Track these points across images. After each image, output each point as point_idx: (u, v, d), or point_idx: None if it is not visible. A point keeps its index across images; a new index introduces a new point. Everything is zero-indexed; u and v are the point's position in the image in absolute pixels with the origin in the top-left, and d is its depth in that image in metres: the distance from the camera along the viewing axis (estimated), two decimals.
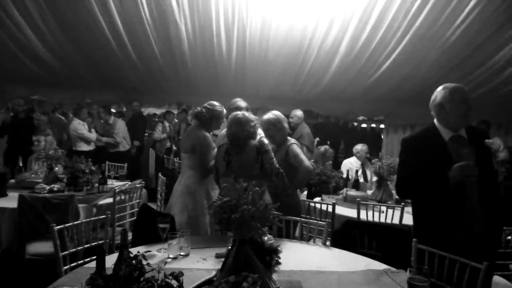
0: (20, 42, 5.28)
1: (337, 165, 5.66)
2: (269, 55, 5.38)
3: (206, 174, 3.16)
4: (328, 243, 2.60)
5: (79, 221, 2.48)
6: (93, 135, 6.28)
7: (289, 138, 3.28)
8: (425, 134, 2.34)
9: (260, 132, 3.22)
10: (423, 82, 5.78)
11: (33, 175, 4.27)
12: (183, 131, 7.81)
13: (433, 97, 2.34)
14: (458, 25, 4.64)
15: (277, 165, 2.75)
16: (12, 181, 4.07)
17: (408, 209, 3.32)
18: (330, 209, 3.35)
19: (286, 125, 3.26)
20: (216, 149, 3.26)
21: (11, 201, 3.31)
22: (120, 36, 5.13)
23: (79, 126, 6.16)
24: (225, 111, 3.38)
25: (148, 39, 5.17)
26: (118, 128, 6.55)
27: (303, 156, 3.08)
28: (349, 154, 6.23)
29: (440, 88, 2.32)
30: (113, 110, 7.70)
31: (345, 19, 4.82)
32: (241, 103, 3.74)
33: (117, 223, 3.44)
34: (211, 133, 3.34)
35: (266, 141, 2.96)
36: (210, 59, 5.56)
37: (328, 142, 7.62)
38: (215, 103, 3.34)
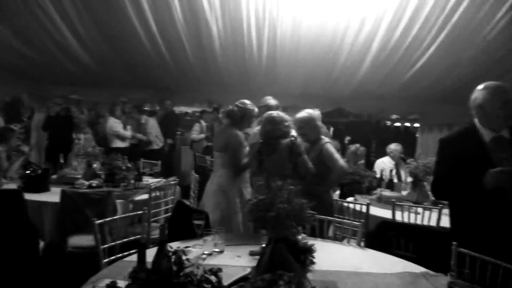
0: (59, 43, 5.51)
1: (369, 165, 5.56)
2: (299, 53, 5.35)
3: (238, 172, 3.19)
4: (362, 244, 2.57)
5: (118, 216, 2.57)
6: (128, 133, 6.48)
7: (322, 136, 3.25)
8: (463, 134, 2.26)
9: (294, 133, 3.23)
10: (459, 80, 5.58)
11: (73, 171, 4.45)
12: (210, 127, 7.94)
13: (473, 96, 2.26)
14: (497, 20, 4.45)
15: (312, 170, 2.74)
16: (54, 176, 4.26)
17: (446, 211, 3.23)
18: (364, 209, 3.31)
19: (319, 123, 3.24)
20: (247, 148, 3.29)
21: (53, 196, 3.47)
22: (153, 37, 5.25)
23: (115, 124, 6.37)
24: (256, 109, 3.39)
25: (180, 39, 5.26)
26: (150, 126, 6.70)
27: (337, 156, 3.06)
28: (381, 153, 6.10)
29: (480, 87, 2.23)
30: (146, 109, 7.88)
31: (377, 16, 4.72)
32: (271, 101, 3.76)
33: (152, 219, 3.53)
34: (243, 132, 3.37)
35: (299, 141, 2.96)
36: (240, 58, 5.59)
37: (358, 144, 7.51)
38: (247, 101, 3.35)
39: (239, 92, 5.92)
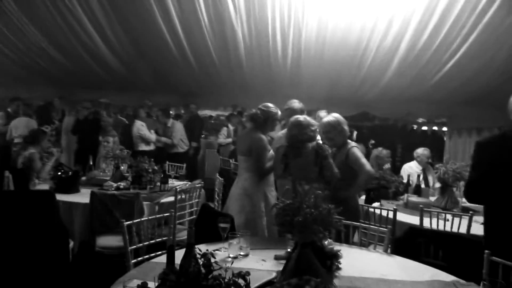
0: (90, 49, 5.70)
1: (395, 170, 5.45)
2: (325, 56, 5.33)
3: (262, 176, 3.20)
4: (388, 250, 2.52)
5: (146, 218, 2.62)
6: (153, 136, 6.61)
7: (349, 141, 3.22)
8: (501, 138, 2.20)
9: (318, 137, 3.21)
10: (490, 82, 5.43)
11: (101, 173, 4.56)
12: (232, 131, 7.98)
13: (511, 99, 2.21)
14: None
15: (338, 175, 2.71)
16: (83, 178, 4.38)
17: (477, 218, 3.14)
18: (390, 215, 3.25)
19: (346, 127, 3.21)
20: (271, 151, 3.30)
21: (83, 197, 3.58)
22: (180, 42, 5.35)
23: (141, 127, 6.50)
24: (279, 112, 3.39)
25: (206, 43, 5.34)
26: (176, 130, 6.81)
27: (364, 160, 3.02)
28: (408, 158, 5.98)
29: None
30: (172, 112, 8.00)
31: (405, 17, 4.65)
32: (296, 104, 3.75)
33: (178, 221, 3.57)
34: (267, 135, 3.37)
35: (326, 146, 2.94)
36: (265, 61, 5.61)
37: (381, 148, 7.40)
38: (270, 104, 3.36)
39: (264, 95, 5.90)
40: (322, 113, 3.75)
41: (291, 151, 2.83)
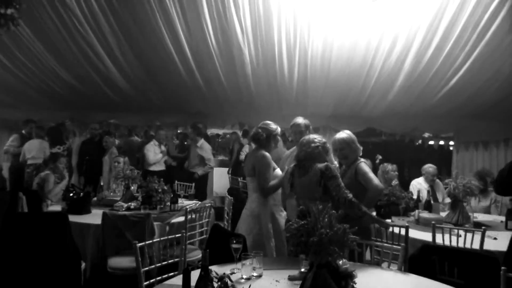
0: (101, 72, 5.79)
1: (404, 186, 5.38)
2: (330, 75, 5.36)
3: (266, 194, 3.18)
4: (403, 268, 2.47)
5: (157, 239, 2.60)
6: (158, 156, 6.46)
7: (359, 158, 3.19)
8: None
9: (331, 157, 3.18)
10: (496, 96, 5.41)
11: (112, 194, 4.56)
12: (236, 152, 7.99)
13: None
14: None
15: (348, 194, 2.65)
16: (94, 199, 4.38)
17: (490, 233, 3.07)
18: (402, 232, 3.19)
19: (358, 145, 3.19)
20: (277, 170, 3.29)
21: (95, 218, 3.57)
22: (189, 64, 5.42)
23: (150, 148, 6.49)
24: (279, 128, 3.41)
25: (214, 65, 5.39)
26: (206, 150, 6.50)
27: (372, 175, 2.98)
28: (415, 173, 5.92)
29: None
30: (180, 131, 8.02)
31: (409, 35, 4.69)
32: (300, 120, 3.75)
33: (188, 241, 3.54)
34: (272, 152, 3.38)
35: (334, 166, 2.91)
36: (272, 81, 5.65)
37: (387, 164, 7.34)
38: (269, 122, 3.39)
39: (270, 114, 5.94)
40: (299, 119, 3.72)
41: (298, 170, 2.81)
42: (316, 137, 2.88)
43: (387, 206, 3.96)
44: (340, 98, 5.91)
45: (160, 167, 6.56)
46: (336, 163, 3.54)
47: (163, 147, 6.63)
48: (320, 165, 2.74)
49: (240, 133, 8.28)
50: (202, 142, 6.60)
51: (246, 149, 7.47)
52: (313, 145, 2.80)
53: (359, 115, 6.33)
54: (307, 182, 2.71)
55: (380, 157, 7.78)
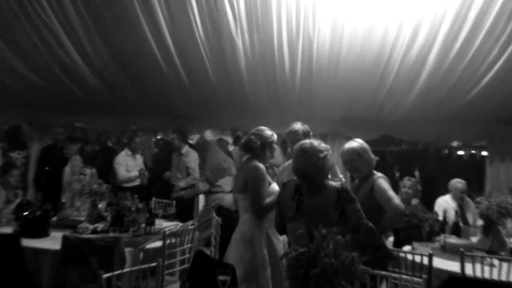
0: (65, 65, 5.76)
1: (428, 205, 5.37)
2: (340, 70, 5.35)
3: (260, 214, 3.15)
4: None
5: (128, 268, 2.56)
6: (131, 174, 6.28)
7: (374, 172, 3.20)
8: None
9: (335, 169, 3.18)
10: None
11: (75, 213, 4.52)
12: (222, 161, 7.96)
13: None
14: None
15: (367, 221, 2.66)
16: (54, 219, 4.33)
17: None
18: (425, 261, 3.17)
19: (372, 155, 3.19)
20: (273, 185, 3.27)
21: (53, 242, 3.52)
22: (170, 56, 5.40)
23: (121, 159, 6.38)
24: (275, 136, 3.41)
25: (201, 58, 5.38)
26: (192, 160, 6.38)
27: (392, 193, 2.98)
28: (442, 190, 5.90)
29: None
30: (159, 137, 7.97)
31: (434, 22, 4.68)
32: (298, 126, 3.75)
33: (166, 271, 3.50)
34: (268, 164, 3.36)
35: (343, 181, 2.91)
36: (270, 77, 5.64)
37: (417, 174, 7.32)
38: (263, 127, 3.41)
39: (269, 117, 5.95)
40: (297, 125, 3.72)
41: (306, 186, 2.77)
42: (321, 145, 2.86)
43: (407, 230, 3.93)
44: (352, 99, 5.90)
45: (135, 182, 6.48)
46: (341, 176, 3.54)
47: (138, 157, 6.54)
48: (335, 184, 2.73)
49: (230, 140, 8.27)
50: (187, 149, 6.56)
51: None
52: (321, 155, 2.77)
53: (374, 119, 6.32)
54: (321, 203, 2.68)
55: (399, 170, 7.78)
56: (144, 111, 6.88)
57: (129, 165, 6.38)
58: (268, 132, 3.37)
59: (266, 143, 3.32)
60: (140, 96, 6.47)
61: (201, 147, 7.12)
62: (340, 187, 2.68)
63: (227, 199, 5.99)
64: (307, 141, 2.92)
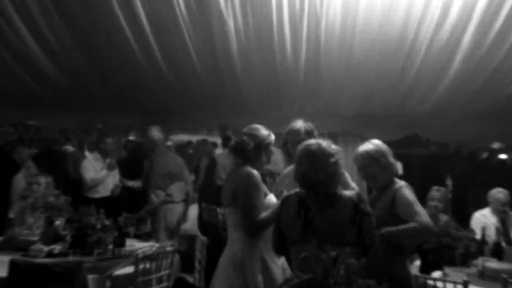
0: (18, 51, 5.71)
1: (461, 220, 5.36)
2: (354, 55, 5.36)
3: (253, 231, 3.11)
4: None
5: None
6: (98, 176, 6.32)
7: (396, 179, 3.18)
8: None
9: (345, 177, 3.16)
10: None
11: (26, 231, 4.47)
12: (204, 168, 7.96)
13: None
14: None
15: (379, 243, 2.64)
16: (0, 239, 4.29)
17: None
18: None
19: (392, 160, 3.18)
20: (269, 196, 3.25)
21: None
22: (146, 38, 5.37)
23: (88, 164, 6.38)
24: (273, 135, 3.39)
25: (183, 41, 5.37)
26: (175, 164, 6.36)
27: (418, 207, 2.97)
28: (478, 201, 5.89)
29: None
30: (131, 138, 7.98)
31: None
32: (298, 124, 3.73)
33: None
34: (263, 170, 3.36)
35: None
36: (268, 65, 5.63)
37: (449, 183, 7.31)
38: (258, 126, 3.37)
39: (266, 113, 5.93)
40: (298, 123, 3.69)
41: (313, 198, 2.73)
42: (329, 145, 2.83)
43: (437, 252, 3.92)
44: (368, 91, 5.91)
45: (105, 192, 6.45)
46: (354, 185, 3.52)
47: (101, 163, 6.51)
48: (349, 193, 2.69)
49: (219, 141, 8.28)
50: (168, 152, 6.55)
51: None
52: (331, 160, 2.73)
53: (395, 116, 6.35)
54: (334, 219, 2.64)
55: (426, 178, 7.77)
56: (113, 105, 6.86)
57: (97, 169, 6.39)
58: (263, 131, 3.34)
59: (261, 145, 3.28)
60: (108, 87, 6.46)
61: (147, 148, 7.12)
62: (356, 196, 2.64)
63: (177, 211, 5.96)
64: (313, 141, 2.88)
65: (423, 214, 2.96)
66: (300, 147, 2.85)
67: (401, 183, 3.15)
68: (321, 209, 2.66)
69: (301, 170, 2.75)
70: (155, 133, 6.05)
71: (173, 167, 6.16)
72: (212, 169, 7.65)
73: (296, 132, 3.67)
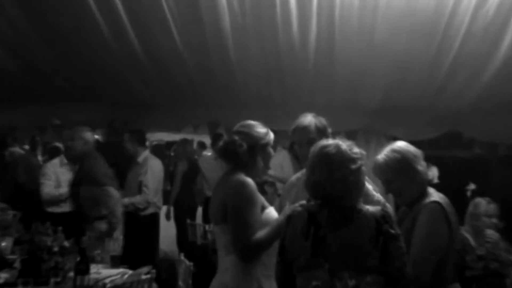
0: None
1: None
2: (376, 36, 5.37)
3: (248, 255, 3.13)
4: None
5: None
6: (60, 191, 6.40)
7: (430, 190, 3.16)
8: None
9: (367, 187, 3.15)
10: None
11: None
12: (181, 174, 8.10)
13: None
14: None
15: (409, 272, 2.63)
16: None
17: None
18: None
19: (422, 167, 3.15)
20: (268, 209, 3.27)
21: None
22: (116, 15, 5.39)
23: (48, 172, 6.38)
24: (272, 134, 3.39)
25: (163, 16, 5.37)
26: (151, 172, 6.55)
27: (428, 244, 2.97)
28: None
29: None
30: (96, 136, 7.98)
31: None
32: (306, 119, 3.71)
33: None
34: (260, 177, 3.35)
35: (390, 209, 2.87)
36: (269, 45, 5.65)
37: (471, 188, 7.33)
38: (253, 122, 3.37)
39: (266, 107, 5.92)
40: (307, 118, 3.68)
41: (327, 214, 2.73)
42: (350, 147, 2.82)
43: (482, 279, 3.92)
44: (395, 78, 5.92)
45: (66, 207, 6.46)
46: (379, 196, 3.50)
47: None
48: (373, 209, 2.68)
49: (208, 142, 8.27)
50: (146, 155, 6.54)
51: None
52: (353, 166, 2.72)
53: (430, 109, 6.35)
54: (352, 239, 2.64)
55: (473, 186, 7.78)
56: (73, 96, 6.89)
57: (60, 180, 6.45)
58: (260, 129, 3.33)
59: (256, 146, 3.27)
60: (68, 74, 6.47)
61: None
62: (380, 213, 2.63)
63: (101, 227, 5.95)
64: (331, 142, 2.88)
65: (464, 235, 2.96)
66: (314, 149, 2.83)
67: (432, 197, 3.09)
68: (335, 227, 2.65)
69: (314, 179, 2.75)
70: (86, 134, 5.91)
71: (102, 177, 5.85)
72: (192, 176, 7.68)
73: (305, 129, 3.65)
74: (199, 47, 5.80)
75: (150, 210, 6.58)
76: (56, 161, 6.60)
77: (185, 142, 8.72)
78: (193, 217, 7.06)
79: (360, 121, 6.42)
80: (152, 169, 6.53)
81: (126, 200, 6.32)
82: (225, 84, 6.31)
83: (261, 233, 3.09)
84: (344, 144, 2.80)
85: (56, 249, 4.03)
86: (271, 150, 3.42)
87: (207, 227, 6.35)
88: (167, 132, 9.62)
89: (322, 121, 3.70)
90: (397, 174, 3.15)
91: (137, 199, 6.42)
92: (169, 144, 10.78)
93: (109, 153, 7.03)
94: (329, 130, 3.69)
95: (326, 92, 6.05)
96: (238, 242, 3.10)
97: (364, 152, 2.86)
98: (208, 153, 8.33)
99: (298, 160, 5.94)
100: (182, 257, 4.60)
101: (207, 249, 6.04)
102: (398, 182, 3.15)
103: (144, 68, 6.16)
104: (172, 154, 10.22)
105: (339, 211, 2.67)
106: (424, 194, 3.15)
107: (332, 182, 2.68)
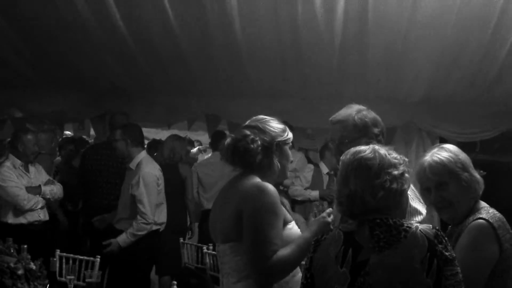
0: None
1: None
2: (419, 16, 5.38)
3: (268, 278, 3.11)
4: None
5: None
6: (32, 201, 6.41)
7: (480, 204, 3.17)
8: None
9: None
10: None
11: None
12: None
13: None
14: None
15: None
16: None
17: None
18: None
19: (477, 174, 3.16)
20: (290, 224, 3.28)
21: None
22: None
23: (7, 174, 6.42)
24: (290, 133, 3.38)
25: None
26: (145, 182, 6.37)
27: (474, 268, 2.98)
28: None
29: None
30: (67, 133, 8.04)
31: None
32: (348, 111, 3.68)
33: None
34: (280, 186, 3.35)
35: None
36: (286, 20, 5.64)
37: None
38: (267, 118, 3.30)
39: (282, 97, 5.95)
40: (349, 110, 3.64)
41: (368, 233, 2.75)
42: (389, 151, 2.85)
43: None
44: (440, 67, 5.96)
45: (31, 217, 6.50)
46: (424, 210, 3.50)
47: (35, 171, 6.56)
48: (423, 227, 2.70)
49: (206, 140, 8.31)
50: (141, 159, 6.56)
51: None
52: (395, 172, 2.74)
53: (483, 103, 6.40)
54: (398, 263, 2.66)
55: None
56: (40, 82, 6.95)
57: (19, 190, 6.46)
58: (276, 125, 3.32)
59: (272, 145, 3.28)
60: (34, 55, 6.54)
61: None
62: (433, 232, 2.65)
63: None
64: (366, 148, 2.90)
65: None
66: (345, 157, 2.84)
67: (483, 212, 3.11)
68: (379, 249, 2.68)
69: (348, 192, 2.77)
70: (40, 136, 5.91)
71: None
72: (180, 186, 7.64)
73: (345, 123, 3.62)
74: (195, 23, 5.82)
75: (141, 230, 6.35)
76: (7, 164, 6.46)
77: (174, 138, 8.63)
78: (183, 235, 7.05)
79: (398, 117, 6.43)
80: (145, 180, 6.34)
81: (124, 237, 6.17)
82: (228, 68, 6.33)
83: (284, 252, 3.08)
84: (383, 150, 2.83)
85: (20, 272, 4.05)
86: (289, 151, 3.44)
87: (204, 248, 6.37)
88: (154, 127, 9.70)
89: (365, 115, 3.65)
90: (452, 176, 3.14)
91: (135, 227, 6.24)
92: (156, 142, 10.76)
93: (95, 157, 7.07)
94: (375, 130, 3.65)
95: (356, 80, 6.08)
96: (258, 263, 3.06)
97: (406, 159, 2.88)
98: (205, 155, 8.33)
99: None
100: (175, 286, 4.63)
101: (204, 275, 6.06)
102: (452, 186, 3.14)
103: (127, 49, 6.21)
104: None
105: (382, 229, 2.70)
106: (474, 208, 3.15)
107: (372, 190, 2.70)
